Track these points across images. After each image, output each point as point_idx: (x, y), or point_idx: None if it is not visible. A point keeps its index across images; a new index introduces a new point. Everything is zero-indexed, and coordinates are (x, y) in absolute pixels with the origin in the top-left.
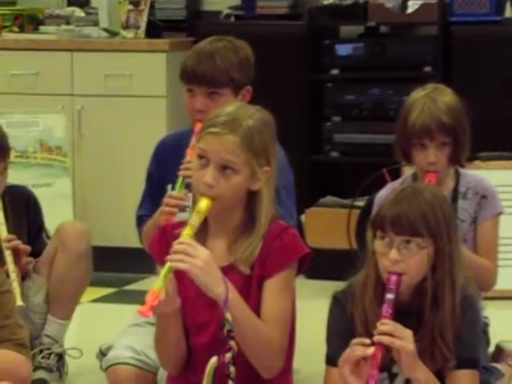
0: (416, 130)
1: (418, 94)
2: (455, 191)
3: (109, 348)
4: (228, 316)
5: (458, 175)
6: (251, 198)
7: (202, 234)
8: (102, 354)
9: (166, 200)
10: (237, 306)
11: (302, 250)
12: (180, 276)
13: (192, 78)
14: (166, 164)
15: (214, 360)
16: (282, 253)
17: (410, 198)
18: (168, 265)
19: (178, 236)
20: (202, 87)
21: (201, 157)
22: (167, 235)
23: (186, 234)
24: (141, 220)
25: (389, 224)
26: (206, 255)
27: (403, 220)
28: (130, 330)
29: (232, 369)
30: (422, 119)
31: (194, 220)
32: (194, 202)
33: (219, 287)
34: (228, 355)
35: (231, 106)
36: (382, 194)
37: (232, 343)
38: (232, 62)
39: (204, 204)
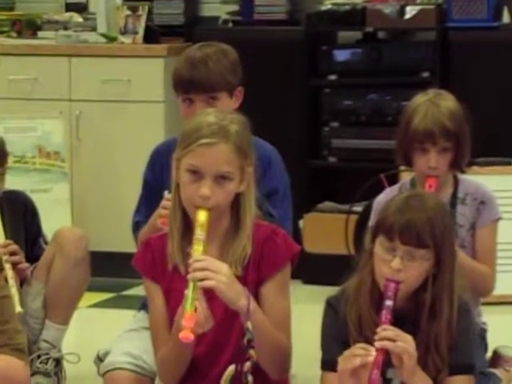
0: (418, 134)
1: (420, 99)
2: (454, 197)
3: (106, 353)
4: (249, 325)
5: (456, 181)
6: (235, 200)
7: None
8: (100, 359)
9: (163, 203)
10: (257, 314)
11: (294, 248)
12: (169, 288)
13: (189, 86)
14: (161, 170)
15: (231, 368)
16: (277, 254)
17: (418, 208)
18: (192, 284)
19: (187, 254)
20: (200, 94)
21: (193, 171)
22: (151, 249)
23: (198, 250)
24: (137, 226)
25: (397, 233)
26: (226, 269)
27: (412, 231)
28: (127, 335)
29: (250, 378)
30: (424, 123)
31: (200, 234)
32: (175, 213)
33: (243, 299)
34: (247, 364)
35: (206, 115)
36: (380, 200)
37: (252, 352)
38: (225, 66)
39: (204, 216)
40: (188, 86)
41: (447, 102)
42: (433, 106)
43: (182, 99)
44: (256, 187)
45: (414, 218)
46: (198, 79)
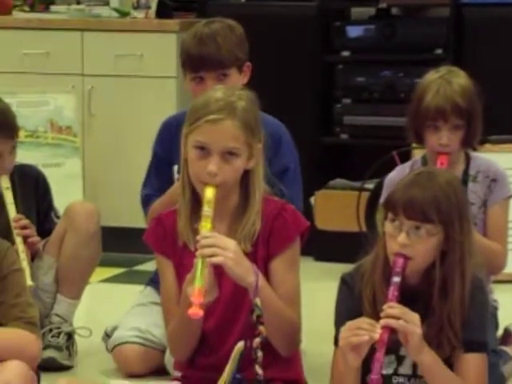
0: (430, 112)
1: (432, 76)
2: (465, 174)
3: (114, 329)
4: (257, 302)
5: (468, 158)
6: (244, 176)
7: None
8: (108, 335)
9: None
10: (265, 291)
11: (303, 224)
12: (180, 263)
13: (200, 64)
14: (170, 144)
15: (240, 345)
16: (285, 230)
17: (424, 183)
18: (200, 260)
19: (196, 231)
20: (210, 72)
21: (200, 148)
22: (162, 225)
23: (206, 226)
24: (147, 199)
25: (401, 207)
26: (234, 245)
27: (415, 205)
28: (134, 310)
29: (260, 353)
30: (436, 101)
31: (208, 210)
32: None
33: (251, 276)
34: (257, 340)
35: (215, 91)
36: (392, 177)
37: (261, 328)
38: (233, 42)
39: (211, 193)
40: (198, 64)
41: (459, 79)
42: (445, 83)
43: (191, 77)
44: (267, 165)
45: (419, 193)
46: (207, 56)
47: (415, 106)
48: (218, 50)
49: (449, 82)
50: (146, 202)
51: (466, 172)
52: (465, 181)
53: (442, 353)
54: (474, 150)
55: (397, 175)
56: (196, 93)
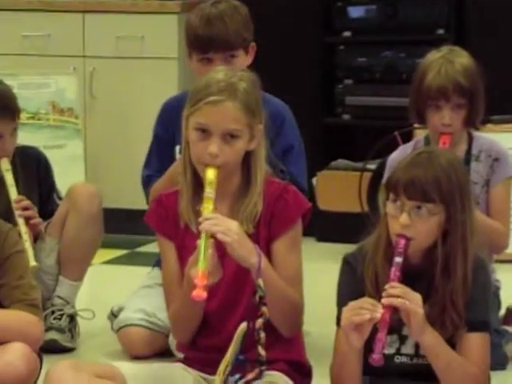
0: (432, 91)
1: (434, 56)
2: (468, 154)
3: (120, 309)
4: (260, 282)
5: (470, 138)
6: (246, 158)
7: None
8: (114, 315)
9: None
10: (268, 272)
11: (305, 205)
12: (182, 244)
13: (209, 45)
14: (172, 125)
15: (243, 326)
16: (287, 212)
17: (425, 163)
18: (204, 242)
19: (198, 213)
20: (219, 53)
21: (201, 130)
22: (163, 206)
23: (208, 208)
24: (148, 180)
25: (402, 188)
26: (237, 226)
27: (416, 185)
28: (141, 291)
29: (262, 334)
30: (438, 80)
31: (209, 192)
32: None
33: (254, 257)
34: (259, 321)
35: (216, 72)
36: (394, 157)
37: (264, 309)
38: (240, 22)
39: (212, 174)
40: (207, 45)
41: (461, 58)
42: (446, 62)
43: (199, 58)
44: (269, 146)
45: (419, 173)
46: (216, 37)
47: (417, 86)
48: (226, 31)
49: (450, 62)
50: (147, 182)
51: (468, 152)
52: (467, 160)
53: (444, 332)
54: (477, 129)
55: (399, 155)
56: (203, 74)
